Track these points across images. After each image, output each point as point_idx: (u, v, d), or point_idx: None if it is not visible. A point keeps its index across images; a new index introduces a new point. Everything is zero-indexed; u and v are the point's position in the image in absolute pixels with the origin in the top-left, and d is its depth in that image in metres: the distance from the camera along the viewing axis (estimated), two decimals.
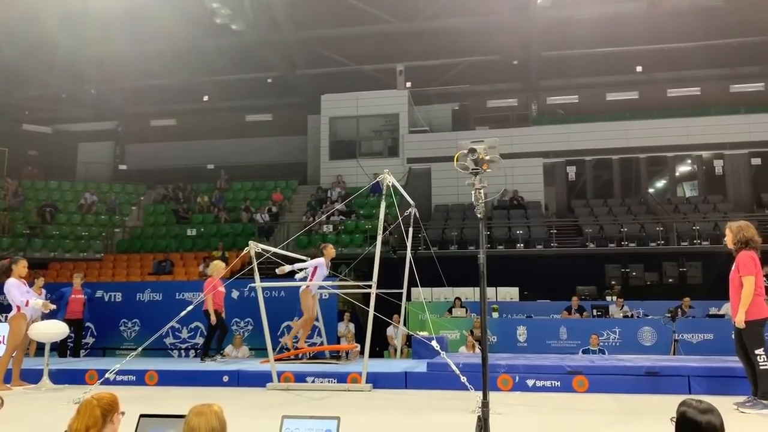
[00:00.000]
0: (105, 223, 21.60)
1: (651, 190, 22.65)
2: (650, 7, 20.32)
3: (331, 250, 9.75)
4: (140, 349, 7.86)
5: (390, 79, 24.23)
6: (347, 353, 10.20)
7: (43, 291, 11.99)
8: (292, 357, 10.23)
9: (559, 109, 24.95)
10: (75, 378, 8.38)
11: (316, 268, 9.49)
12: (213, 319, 10.24)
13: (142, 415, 3.33)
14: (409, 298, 11.68)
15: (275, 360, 8.19)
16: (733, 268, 6.22)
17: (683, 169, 23.41)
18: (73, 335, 11.59)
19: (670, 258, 17.41)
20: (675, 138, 21.45)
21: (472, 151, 4.91)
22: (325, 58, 24.05)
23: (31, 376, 8.27)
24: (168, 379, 8.28)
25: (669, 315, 12.09)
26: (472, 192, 4.99)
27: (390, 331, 13.54)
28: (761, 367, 5.89)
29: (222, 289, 10.78)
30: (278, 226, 20.37)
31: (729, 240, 6.34)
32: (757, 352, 5.93)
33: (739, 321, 6.07)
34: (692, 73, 23.79)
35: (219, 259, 17.32)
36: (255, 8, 20.75)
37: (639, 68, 23.76)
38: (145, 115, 27.62)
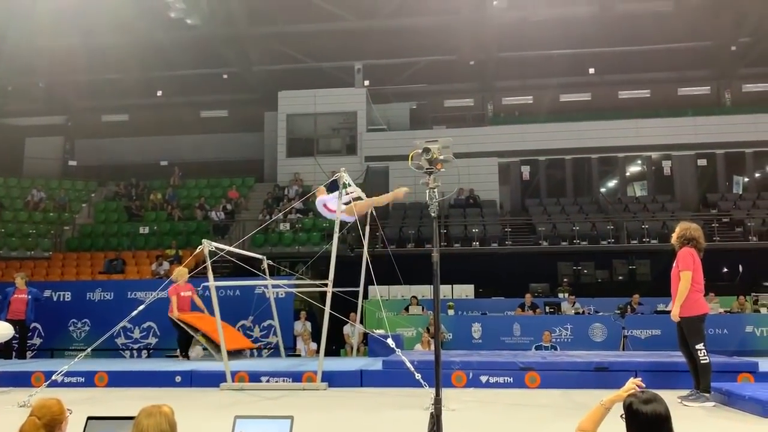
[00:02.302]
0: (53, 220, 20.99)
1: (602, 190, 23.21)
2: (603, 10, 20.80)
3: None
4: (89, 349, 7.70)
5: (348, 77, 24.20)
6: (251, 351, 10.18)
7: None
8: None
9: (514, 110, 25.32)
10: (20, 380, 8.13)
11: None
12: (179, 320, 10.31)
13: (89, 418, 3.27)
14: (366, 297, 11.70)
15: None
16: (674, 264, 6.42)
17: (633, 169, 24.06)
18: (18, 336, 11.23)
19: (620, 256, 17.88)
20: (626, 139, 22.01)
21: (426, 150, 4.96)
22: (282, 54, 23.86)
23: None
24: (118, 380, 8.11)
25: (619, 312, 12.44)
26: (427, 191, 5.04)
27: (347, 329, 13.54)
28: (702, 362, 6.11)
29: (186, 293, 10.75)
30: (234, 224, 20.14)
31: (674, 235, 6.55)
32: (697, 347, 6.14)
33: (674, 314, 6.29)
34: (642, 76, 24.45)
35: (173, 258, 17.19)
36: (211, 3, 20.46)
37: (591, 70, 24.28)
38: (96, 110, 26.89)
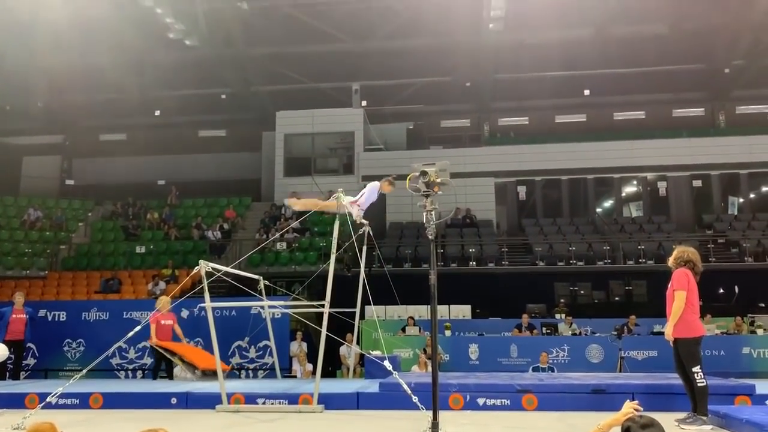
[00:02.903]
0: (50, 239, 20.92)
1: (598, 210, 23.28)
2: (598, 33, 21.04)
3: (387, 186, 8.13)
4: (85, 371, 7.64)
5: (346, 98, 24.36)
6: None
7: None
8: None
9: (510, 131, 25.48)
10: (14, 402, 8.04)
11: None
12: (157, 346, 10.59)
13: None
14: (362, 317, 11.68)
15: None
16: (669, 285, 6.44)
17: (629, 189, 24.17)
18: (12, 357, 11.17)
19: (616, 276, 17.89)
20: (621, 159, 22.14)
21: (424, 173, 5.00)
22: (280, 75, 24.04)
23: None
24: (114, 401, 8.04)
25: (615, 333, 12.42)
26: (424, 213, 5.08)
27: (343, 350, 13.48)
28: (699, 385, 6.10)
29: (167, 322, 10.96)
30: (230, 243, 20.12)
31: (671, 258, 6.57)
32: (694, 369, 6.14)
33: (668, 334, 6.29)
34: (637, 98, 24.67)
35: (169, 278, 17.14)
36: (210, 24, 20.63)
37: (587, 92, 24.50)
38: (94, 129, 26.96)
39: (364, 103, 24.36)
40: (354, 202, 7.83)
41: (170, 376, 11.14)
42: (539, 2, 19.35)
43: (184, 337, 11.46)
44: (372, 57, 22.62)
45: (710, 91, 24.41)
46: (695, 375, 6.11)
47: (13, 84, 23.33)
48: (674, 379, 7.03)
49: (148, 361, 13.62)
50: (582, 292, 17.35)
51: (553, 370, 12.24)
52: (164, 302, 11.04)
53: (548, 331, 14.03)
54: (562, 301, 16.76)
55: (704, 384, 6.10)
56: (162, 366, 11.22)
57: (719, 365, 11.55)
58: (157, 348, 10.63)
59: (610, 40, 21.35)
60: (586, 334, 14.11)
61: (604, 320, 14.75)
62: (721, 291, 16.91)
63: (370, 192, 7.93)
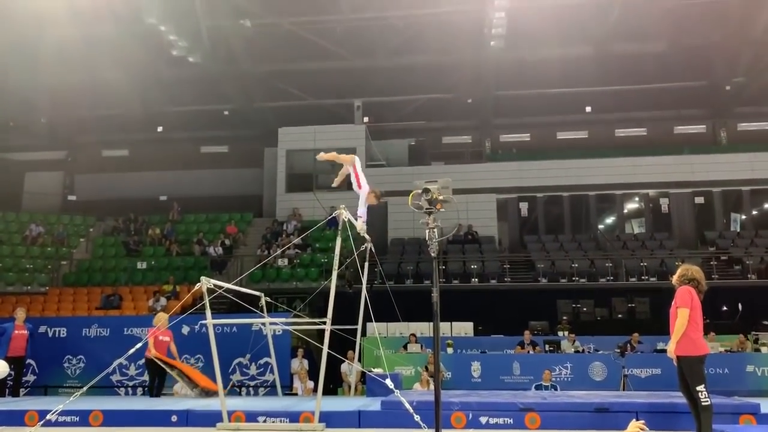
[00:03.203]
0: (51, 255, 20.91)
1: (600, 227, 23.24)
2: (599, 50, 21.15)
3: (373, 198, 8.03)
4: (85, 388, 7.60)
5: (348, 114, 24.45)
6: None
7: None
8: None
9: (511, 147, 25.54)
10: (13, 419, 7.99)
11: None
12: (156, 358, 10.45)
13: None
14: (364, 334, 11.61)
15: None
16: (672, 303, 6.41)
17: (631, 206, 24.15)
18: (12, 373, 11.11)
19: (619, 294, 17.82)
20: (623, 176, 22.17)
21: (426, 191, 5.00)
22: (282, 91, 24.16)
23: None
24: (114, 419, 7.98)
25: (618, 350, 12.33)
26: (426, 231, 5.07)
27: (344, 367, 13.39)
28: (703, 404, 6.04)
29: (164, 338, 10.93)
30: (232, 259, 20.09)
31: (675, 276, 6.54)
32: (698, 388, 6.08)
33: (670, 351, 6.25)
34: (639, 114, 24.77)
35: (170, 294, 17.10)
36: (213, 41, 20.79)
37: (588, 109, 24.60)
38: (97, 145, 27.09)
39: (365, 119, 24.44)
40: (360, 217, 7.86)
41: (158, 394, 10.99)
42: (540, 20, 19.47)
43: (185, 354, 11.41)
44: (374, 74, 22.74)
45: (711, 108, 24.49)
46: (699, 394, 6.06)
47: (17, 100, 23.49)
48: (678, 398, 6.97)
49: (148, 377, 13.55)
50: (585, 309, 17.25)
51: (556, 388, 12.14)
52: (162, 319, 11.00)
53: (551, 348, 13.94)
54: (564, 318, 16.67)
55: (708, 403, 6.04)
56: (155, 382, 11.06)
57: (723, 384, 11.46)
58: (156, 360, 10.48)
59: (611, 57, 21.48)
60: (589, 352, 14.01)
61: (607, 337, 14.65)
62: (725, 308, 16.82)
63: (362, 199, 8.01)
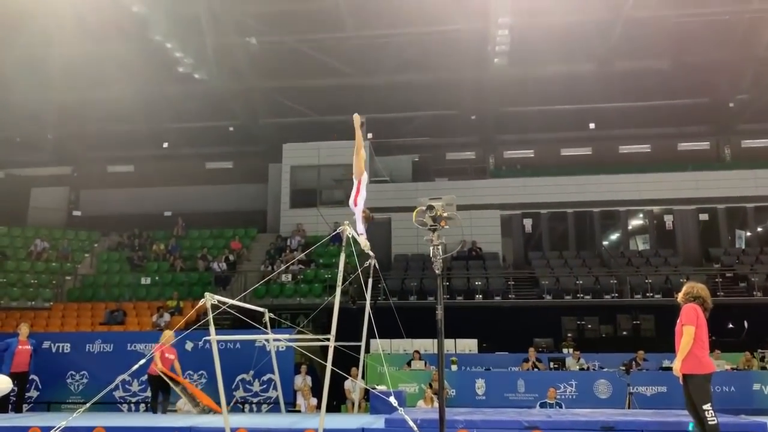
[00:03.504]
0: (56, 270, 20.96)
1: (605, 243, 23.18)
2: (602, 67, 21.24)
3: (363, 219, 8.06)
4: (89, 404, 7.58)
5: (351, 130, 24.45)
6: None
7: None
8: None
9: (515, 163, 25.58)
10: None
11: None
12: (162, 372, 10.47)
13: None
14: (367, 350, 11.57)
15: None
16: (678, 320, 6.38)
17: (635, 223, 24.09)
18: (16, 389, 11.10)
19: (624, 311, 17.73)
20: (627, 193, 22.15)
21: (431, 207, 5.01)
22: (287, 107, 24.29)
23: None
24: None
25: (624, 368, 12.25)
26: (431, 248, 5.07)
27: (348, 384, 13.34)
28: (710, 423, 5.99)
29: (170, 356, 10.95)
30: (235, 275, 20.09)
31: (681, 294, 6.52)
32: (704, 407, 6.03)
33: (676, 369, 6.21)
34: (642, 131, 24.80)
35: (173, 309, 17.10)
36: (218, 58, 20.95)
37: (592, 125, 24.64)
38: (102, 161, 27.24)
39: (369, 135, 24.49)
40: (361, 234, 7.88)
41: (164, 410, 10.96)
42: (543, 38, 19.59)
43: (188, 370, 11.39)
44: (378, 90, 22.86)
45: (715, 124, 24.52)
46: (706, 413, 6.01)
47: (24, 116, 23.70)
48: (684, 416, 6.91)
49: (150, 393, 13.52)
50: (589, 326, 17.15)
51: (561, 406, 12.07)
52: (168, 336, 11.04)
53: (555, 365, 13.86)
54: (569, 335, 16.58)
55: (715, 422, 5.99)
56: (159, 398, 11.01)
57: (730, 402, 11.37)
58: (162, 374, 10.48)
59: (614, 74, 21.56)
60: (594, 369, 13.93)
61: (612, 355, 14.57)
62: (730, 326, 16.73)
63: (358, 217, 8.04)
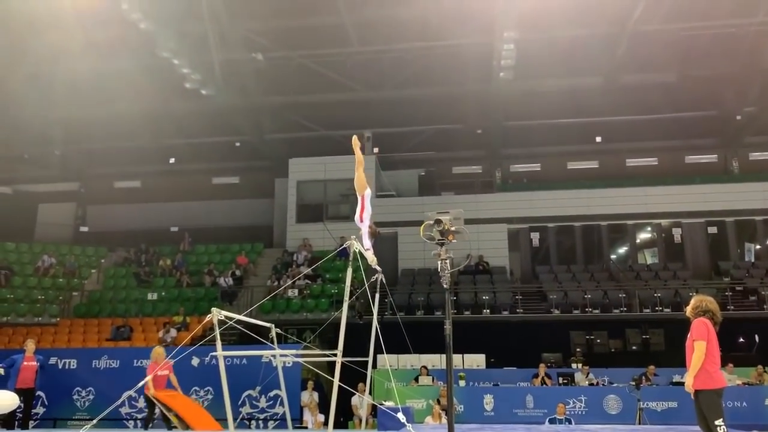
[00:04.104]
0: (62, 286, 20.97)
1: (613, 257, 23.05)
2: (608, 81, 21.23)
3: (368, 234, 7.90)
4: (95, 420, 7.53)
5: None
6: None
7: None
8: None
9: (522, 177, 25.53)
10: None
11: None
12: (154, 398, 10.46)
13: None
14: (374, 366, 11.48)
15: None
16: (688, 336, 6.30)
17: (643, 236, 23.95)
18: (22, 405, 11.05)
19: (633, 325, 17.59)
20: (634, 206, 22.06)
21: (438, 222, 4.97)
22: (293, 123, 24.37)
23: None
24: None
25: (634, 383, 12.12)
26: (438, 262, 5.03)
27: (355, 400, 13.24)
28: None
29: (164, 372, 10.84)
30: (242, 290, 20.06)
31: (689, 308, 6.44)
32: (716, 423, 5.93)
33: (688, 385, 6.12)
34: (649, 144, 24.71)
35: (180, 325, 17.06)
36: (225, 74, 21.05)
37: (598, 138, 24.59)
38: (109, 177, 27.35)
39: (375, 150, 24.54)
40: (368, 250, 7.81)
41: (146, 426, 10.96)
42: (549, 52, 19.61)
43: (194, 386, 11.31)
44: (384, 105, 22.91)
45: (722, 137, 24.43)
46: (718, 429, 5.91)
47: (31, 133, 23.85)
48: None
49: (158, 410, 13.44)
50: (598, 340, 17.04)
51: (570, 422, 11.94)
52: (159, 353, 11.02)
53: (564, 381, 13.73)
54: (578, 350, 16.45)
55: None
56: (156, 415, 10.96)
57: (742, 417, 11.23)
58: (154, 399, 10.49)
59: (620, 87, 21.53)
60: (603, 384, 13.80)
61: (622, 370, 14.43)
62: (741, 340, 16.56)
63: (364, 232, 7.88)
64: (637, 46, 19.83)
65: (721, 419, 5.95)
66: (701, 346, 6.07)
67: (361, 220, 7.87)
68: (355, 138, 8.11)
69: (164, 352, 11.15)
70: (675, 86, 21.64)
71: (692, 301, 6.46)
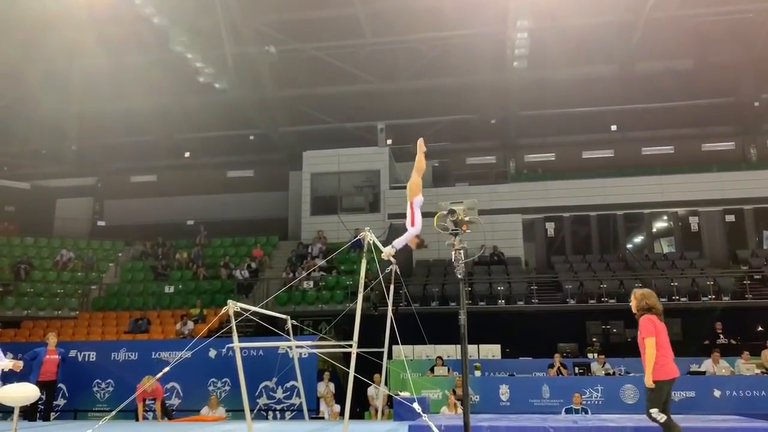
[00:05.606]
0: (81, 280, 21.22)
1: (629, 246, 22.90)
2: (623, 69, 21.05)
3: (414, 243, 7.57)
4: (114, 412, 7.64)
5: (371, 136, 24.58)
6: None
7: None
8: None
9: (537, 167, 25.40)
10: None
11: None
12: None
13: None
14: (390, 357, 11.53)
15: None
16: (638, 333, 6.44)
17: (660, 225, 23.76)
18: (44, 397, 11.24)
19: None
20: (650, 195, 21.86)
21: (452, 212, 4.98)
22: (307, 115, 24.42)
23: None
24: None
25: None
26: (452, 252, 5.04)
27: (371, 391, 13.30)
28: (661, 422, 6.11)
29: (152, 398, 11.80)
30: (258, 282, 20.19)
31: (633, 306, 6.64)
32: (652, 411, 6.17)
33: (647, 381, 6.28)
34: (665, 132, 24.48)
35: (197, 317, 17.20)
36: (238, 67, 21.13)
37: (614, 127, 24.40)
38: (125, 171, 27.61)
39: (389, 141, 24.54)
40: (393, 247, 7.56)
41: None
42: (563, 40, 19.46)
43: (212, 378, 11.45)
44: (397, 96, 22.89)
45: (740, 124, 24.13)
46: (652, 415, 6.14)
47: (49, 129, 24.12)
48: (713, 422, 6.79)
49: (176, 401, 13.61)
50: (615, 330, 16.89)
51: (586, 412, 11.91)
52: (148, 383, 10.99)
53: (581, 371, 13.68)
54: (594, 339, 16.37)
55: (665, 419, 6.12)
56: None
57: (761, 407, 11.12)
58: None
59: (636, 75, 21.35)
60: (620, 374, 13.73)
61: (638, 359, 14.24)
62: (760, 329, 16.39)
63: (407, 235, 7.47)
64: (652, 34, 19.62)
65: (657, 409, 6.14)
66: (652, 342, 6.36)
67: (413, 224, 7.44)
68: (420, 141, 7.81)
69: (153, 383, 11.22)
70: (691, 73, 21.41)
71: (633, 301, 6.71)
